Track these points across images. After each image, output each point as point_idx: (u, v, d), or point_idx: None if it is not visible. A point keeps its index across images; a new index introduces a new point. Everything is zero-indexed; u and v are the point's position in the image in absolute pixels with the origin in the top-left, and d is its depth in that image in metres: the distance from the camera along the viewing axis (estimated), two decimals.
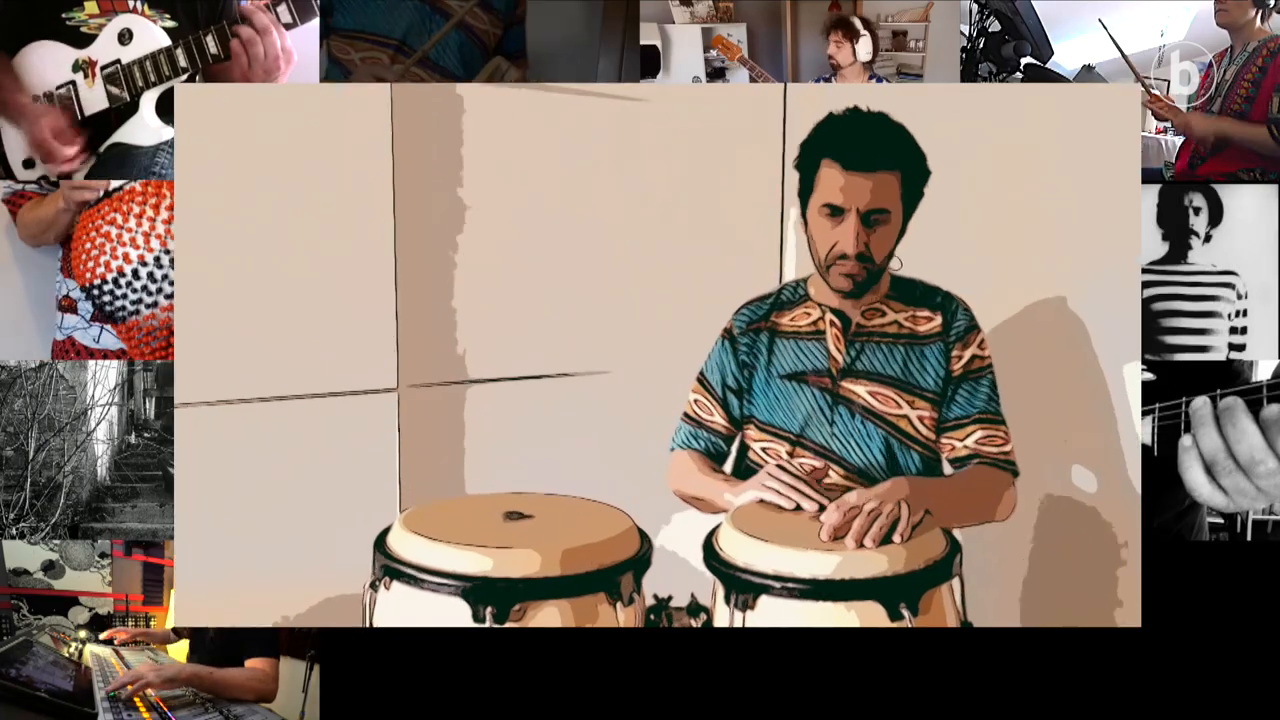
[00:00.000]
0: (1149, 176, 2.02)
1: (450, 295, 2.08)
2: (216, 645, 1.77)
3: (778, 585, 1.23)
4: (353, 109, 1.93)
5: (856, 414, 1.57)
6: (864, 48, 2.30)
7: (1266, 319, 1.99)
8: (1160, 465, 1.20)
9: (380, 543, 1.32)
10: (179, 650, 2.04)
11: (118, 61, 1.87)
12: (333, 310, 1.91)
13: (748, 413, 1.65)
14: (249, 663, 1.69)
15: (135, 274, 1.84)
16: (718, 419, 1.66)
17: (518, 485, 1.54)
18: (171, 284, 1.84)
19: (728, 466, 1.70)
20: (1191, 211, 2.02)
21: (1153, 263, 2.02)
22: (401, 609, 1.27)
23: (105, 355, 1.89)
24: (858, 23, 2.30)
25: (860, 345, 1.58)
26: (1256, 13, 2.01)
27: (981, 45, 2.18)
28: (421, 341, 2.03)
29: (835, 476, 1.57)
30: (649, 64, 2.33)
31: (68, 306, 1.92)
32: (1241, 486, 1.00)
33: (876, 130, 1.51)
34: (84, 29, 1.88)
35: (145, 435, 2.16)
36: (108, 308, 1.84)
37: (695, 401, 1.68)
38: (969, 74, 2.19)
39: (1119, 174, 1.89)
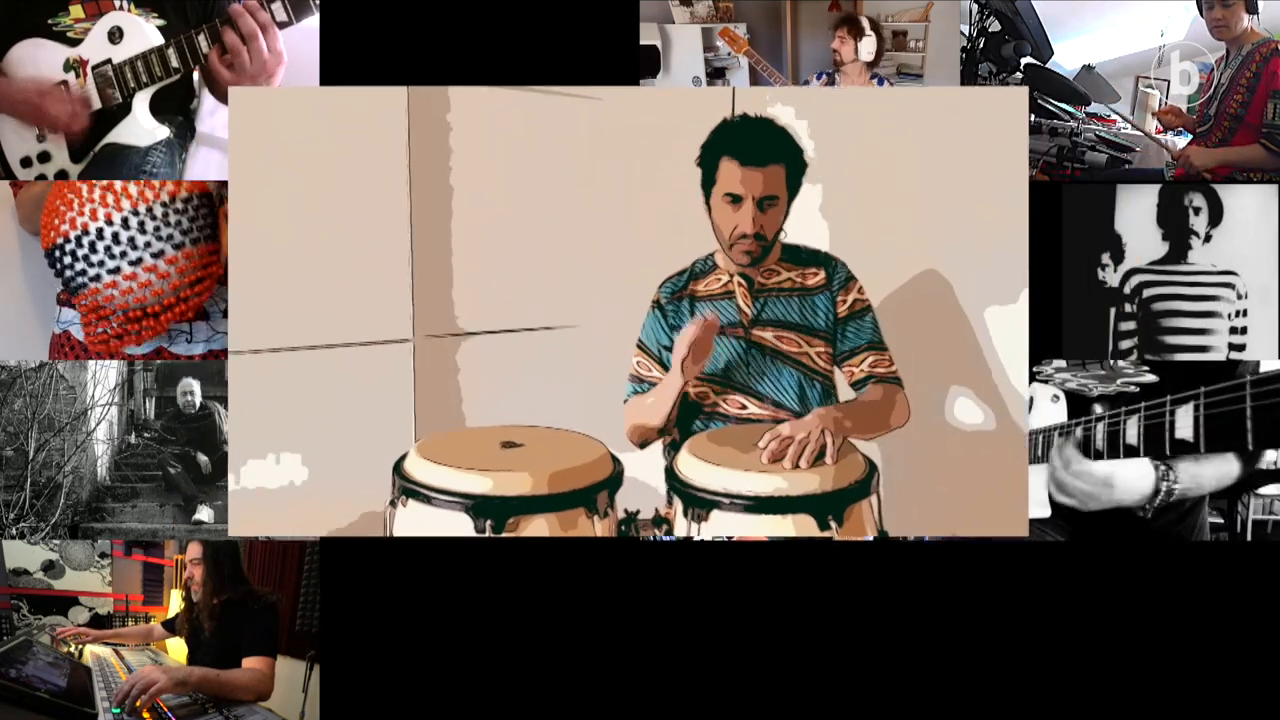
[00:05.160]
0: (1149, 176, 2.02)
1: (457, 262, 2.40)
2: (216, 645, 1.77)
3: (726, 501, 1.49)
4: (373, 108, 2.21)
5: (768, 355, 1.92)
6: (866, 47, 2.37)
7: (1266, 319, 1.99)
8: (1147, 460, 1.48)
9: (398, 467, 1.56)
10: (177, 649, 2.04)
11: (109, 61, 1.86)
12: (361, 274, 2.23)
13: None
14: (246, 662, 1.69)
15: (99, 234, 1.76)
16: (657, 374, 1.98)
17: (512, 419, 1.82)
18: (133, 248, 1.77)
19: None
20: (1191, 211, 2.02)
21: (1153, 263, 2.02)
22: (415, 522, 1.51)
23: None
24: (865, 22, 2.37)
25: (764, 300, 1.94)
26: (1250, 19, 2.01)
27: (981, 45, 2.18)
28: (433, 301, 2.36)
29: (754, 408, 1.92)
30: (649, 64, 2.33)
31: (64, 300, 1.91)
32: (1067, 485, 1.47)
33: (765, 131, 1.84)
34: (70, 34, 1.87)
35: (145, 435, 2.16)
36: (66, 272, 1.78)
37: (638, 363, 2.01)
38: (969, 74, 2.18)
39: (1008, 168, 2.06)
